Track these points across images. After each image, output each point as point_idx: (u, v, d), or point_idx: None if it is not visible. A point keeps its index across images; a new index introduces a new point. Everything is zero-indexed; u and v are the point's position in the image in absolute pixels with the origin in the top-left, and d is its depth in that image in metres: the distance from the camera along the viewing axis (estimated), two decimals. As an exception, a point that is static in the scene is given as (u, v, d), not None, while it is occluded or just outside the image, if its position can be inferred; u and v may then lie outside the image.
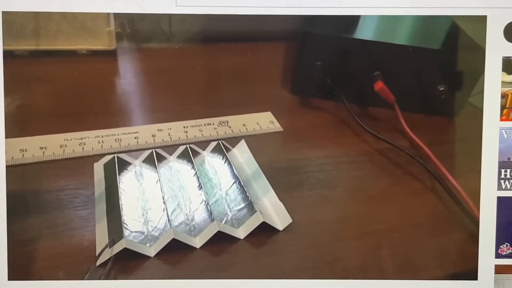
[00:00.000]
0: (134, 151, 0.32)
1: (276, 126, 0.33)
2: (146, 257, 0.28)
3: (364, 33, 0.48)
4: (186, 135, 0.30)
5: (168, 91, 0.50)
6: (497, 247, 0.33)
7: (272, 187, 0.35)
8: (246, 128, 0.32)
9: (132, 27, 0.56)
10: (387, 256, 0.32)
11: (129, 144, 0.28)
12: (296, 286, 0.29)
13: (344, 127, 0.46)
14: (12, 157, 0.25)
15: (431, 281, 0.32)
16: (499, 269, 0.33)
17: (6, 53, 0.50)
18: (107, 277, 0.27)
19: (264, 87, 0.53)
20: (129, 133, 0.29)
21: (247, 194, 0.33)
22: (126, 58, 0.56)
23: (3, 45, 0.48)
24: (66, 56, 0.52)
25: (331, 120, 0.48)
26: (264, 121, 0.33)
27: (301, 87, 0.51)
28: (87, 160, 0.30)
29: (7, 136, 0.27)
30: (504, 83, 0.34)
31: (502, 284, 0.33)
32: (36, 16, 0.48)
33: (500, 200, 0.34)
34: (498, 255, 0.33)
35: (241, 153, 0.38)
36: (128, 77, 0.53)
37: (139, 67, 0.56)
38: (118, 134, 0.29)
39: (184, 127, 0.31)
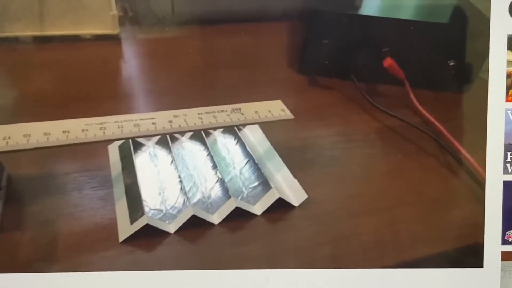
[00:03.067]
0: (153, 135, 0.33)
1: (287, 114, 0.35)
2: (166, 234, 0.30)
3: (370, 9, 0.49)
4: (202, 121, 0.32)
5: (172, 75, 0.51)
6: (504, 233, 0.33)
7: (286, 165, 0.36)
8: (259, 115, 0.34)
9: (133, 10, 0.57)
10: (402, 231, 0.34)
11: (147, 129, 0.30)
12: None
13: (354, 105, 0.48)
14: (38, 140, 0.27)
15: (436, 269, 0.33)
16: (506, 256, 0.33)
17: (10, 39, 0.51)
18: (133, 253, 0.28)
19: (271, 68, 0.55)
20: (146, 118, 0.31)
21: (262, 172, 0.35)
22: (130, 42, 0.57)
23: (6, 31, 0.50)
24: (71, 41, 0.53)
25: (341, 99, 0.49)
26: (275, 109, 0.35)
27: (308, 66, 0.52)
28: (100, 144, 0.32)
29: (17, 121, 0.29)
30: (510, 63, 0.34)
31: (509, 271, 0.34)
32: (40, 1, 0.49)
33: (506, 184, 0.33)
34: (504, 242, 0.33)
35: (253, 133, 0.40)
36: (133, 61, 0.54)
37: (143, 50, 0.57)
38: (136, 120, 0.30)
39: (198, 113, 0.33)
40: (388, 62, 0.47)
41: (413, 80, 0.48)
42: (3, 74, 0.47)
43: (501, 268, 0.33)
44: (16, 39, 0.50)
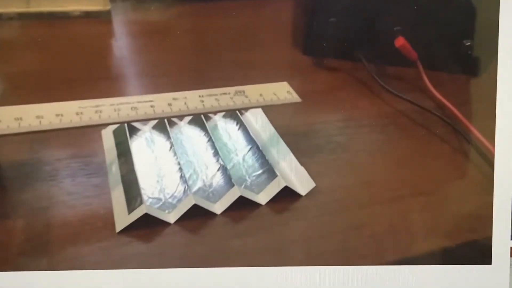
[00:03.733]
0: (152, 119, 0.33)
1: (294, 97, 0.34)
2: (166, 224, 0.30)
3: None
4: (203, 104, 0.31)
5: (166, 54, 0.51)
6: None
7: (291, 152, 0.36)
8: (264, 98, 0.33)
9: (125, -16, 0.57)
10: (416, 221, 0.34)
11: (145, 112, 0.30)
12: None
13: (363, 88, 0.48)
14: (30, 124, 0.27)
15: (443, 266, 0.33)
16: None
17: (-6, 16, 0.51)
18: (130, 244, 0.28)
19: (275, 48, 0.54)
20: (144, 101, 0.31)
21: (266, 159, 0.35)
22: (122, 19, 0.57)
23: (-10, 7, 0.49)
24: (59, 19, 0.53)
25: (349, 81, 0.49)
26: (281, 91, 0.34)
27: (314, 47, 0.52)
28: (94, 128, 0.32)
29: (3, 104, 0.29)
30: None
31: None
32: (25, -26, 0.49)
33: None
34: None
35: (256, 118, 0.40)
36: (125, 40, 0.54)
37: (137, 29, 0.56)
38: (133, 103, 0.30)
39: (200, 96, 0.32)
40: (400, 42, 0.47)
41: (427, 61, 0.48)
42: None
43: (511, 265, 0.33)
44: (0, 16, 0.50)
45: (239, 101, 0.32)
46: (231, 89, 0.33)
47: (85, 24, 0.53)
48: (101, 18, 0.54)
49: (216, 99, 0.32)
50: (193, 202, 0.30)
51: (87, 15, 0.53)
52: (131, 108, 0.30)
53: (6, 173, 0.32)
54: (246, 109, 0.34)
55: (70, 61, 0.47)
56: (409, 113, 0.44)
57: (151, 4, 0.60)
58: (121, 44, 0.52)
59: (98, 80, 0.45)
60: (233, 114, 0.38)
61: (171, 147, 0.35)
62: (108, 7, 0.54)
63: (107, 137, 0.36)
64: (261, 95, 0.33)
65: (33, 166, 0.33)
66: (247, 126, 0.38)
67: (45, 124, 0.27)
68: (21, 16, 0.50)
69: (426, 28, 0.49)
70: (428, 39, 0.49)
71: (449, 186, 0.37)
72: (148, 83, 0.46)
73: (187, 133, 0.37)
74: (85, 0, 0.52)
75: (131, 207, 0.30)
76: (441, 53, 0.50)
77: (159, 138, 0.36)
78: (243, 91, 0.33)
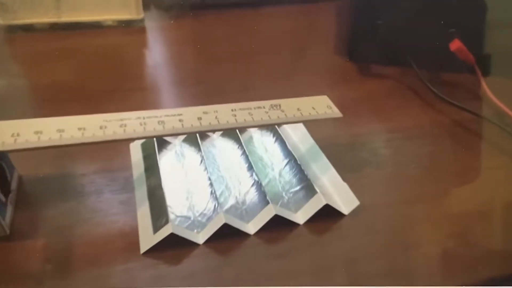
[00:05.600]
0: (179, 134, 0.32)
1: (335, 111, 0.33)
2: (194, 245, 0.29)
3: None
4: (235, 119, 0.30)
5: (202, 63, 0.51)
6: None
7: (333, 166, 0.35)
8: (301, 113, 0.32)
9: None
10: (474, 242, 0.32)
11: (173, 127, 0.29)
12: None
13: (413, 96, 0.46)
14: (50, 138, 0.26)
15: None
16: None
17: (26, 27, 0.52)
18: (156, 266, 0.27)
19: (317, 55, 0.53)
20: (172, 115, 0.30)
21: (305, 174, 0.33)
22: (156, 28, 0.57)
23: (21, 18, 0.50)
24: (91, 28, 0.54)
25: (398, 89, 0.47)
26: (320, 106, 0.33)
27: (359, 52, 0.50)
28: (121, 142, 0.31)
29: (31, 116, 0.28)
30: None
31: None
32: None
33: None
34: None
35: (294, 129, 0.39)
36: (159, 48, 0.54)
37: (170, 37, 0.57)
38: (161, 116, 0.30)
39: (232, 110, 0.31)
40: (456, 45, 0.45)
41: (486, 65, 0.46)
42: (17, 64, 0.48)
43: None
44: (31, 27, 0.51)
45: (274, 116, 0.31)
46: (266, 103, 0.32)
47: (118, 34, 0.53)
48: (134, 27, 0.54)
49: (249, 113, 0.31)
50: (223, 221, 0.29)
51: (120, 24, 0.53)
52: (158, 122, 0.29)
53: (28, 189, 0.32)
54: (283, 124, 0.33)
55: (102, 72, 0.47)
56: (466, 122, 0.42)
57: (187, 12, 0.60)
58: (155, 53, 0.52)
59: (130, 90, 0.45)
60: (270, 125, 0.37)
61: (201, 161, 0.34)
62: (141, 16, 0.54)
63: (135, 150, 0.35)
64: (298, 109, 0.32)
65: (57, 181, 0.33)
66: (284, 138, 0.37)
67: (66, 138, 0.26)
68: (53, 26, 0.51)
69: (484, 30, 0.47)
70: (486, 42, 0.46)
71: (509, 204, 0.35)
72: (181, 93, 0.46)
73: (220, 146, 0.36)
74: (117, 9, 0.52)
75: (156, 227, 0.29)
76: (501, 57, 0.48)
77: (189, 152, 0.35)
78: (279, 105, 0.32)
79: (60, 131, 0.26)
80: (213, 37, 0.56)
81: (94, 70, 0.48)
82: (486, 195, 0.35)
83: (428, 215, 0.33)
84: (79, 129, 0.27)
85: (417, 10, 0.47)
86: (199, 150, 0.35)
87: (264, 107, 0.31)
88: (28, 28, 0.51)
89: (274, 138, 0.37)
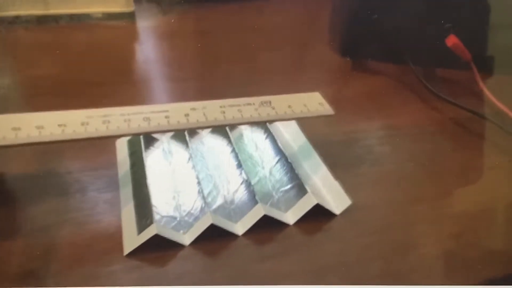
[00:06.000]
0: (165, 131, 0.31)
1: (326, 109, 0.32)
2: (180, 246, 0.28)
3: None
4: (224, 116, 0.30)
5: (194, 57, 0.50)
6: None
7: (325, 164, 0.34)
8: (292, 110, 0.31)
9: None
10: (472, 244, 0.31)
11: (159, 123, 0.28)
12: None
13: (409, 92, 0.45)
14: (28, 135, 0.25)
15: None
16: None
17: (12, 19, 0.51)
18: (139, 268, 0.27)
19: (310, 49, 0.52)
20: (158, 111, 0.29)
21: (296, 173, 0.32)
22: (147, 21, 0.56)
23: (7, 10, 0.49)
24: (79, 21, 0.53)
25: (393, 85, 0.46)
26: (312, 103, 0.32)
27: (354, 47, 0.49)
28: (106, 138, 0.30)
29: (17, 111, 0.28)
30: None
31: None
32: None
33: None
34: None
35: (286, 126, 0.38)
36: (149, 43, 0.53)
37: (161, 31, 0.56)
38: (147, 113, 0.29)
39: (220, 106, 0.31)
40: (452, 40, 0.44)
41: (482, 62, 0.45)
42: (1, 57, 0.47)
43: None
44: (18, 19, 0.50)
45: (264, 113, 0.30)
46: (256, 99, 0.31)
47: (107, 27, 0.52)
48: (124, 20, 0.53)
49: (238, 110, 0.30)
50: (210, 222, 0.28)
51: (109, 17, 0.52)
52: (143, 118, 0.28)
53: (9, 188, 0.31)
54: (273, 121, 0.32)
55: (89, 66, 0.46)
56: (462, 120, 0.41)
57: (178, 4, 0.59)
58: (145, 47, 0.51)
59: (119, 84, 0.44)
60: (261, 122, 0.36)
61: (189, 159, 0.33)
62: (131, 9, 0.53)
63: (121, 147, 0.34)
64: (289, 106, 0.31)
65: (39, 179, 0.32)
66: (275, 135, 0.36)
67: (46, 135, 0.25)
68: (40, 18, 0.50)
69: (482, 24, 0.46)
70: (483, 37, 0.46)
71: (509, 204, 0.34)
72: (173, 88, 0.45)
73: (209, 143, 0.35)
74: (107, 1, 0.51)
75: (141, 227, 0.28)
76: (498, 53, 0.47)
77: (177, 149, 0.34)
78: (270, 102, 0.31)
79: (39, 127, 0.25)
80: (206, 32, 0.55)
81: (81, 64, 0.47)
82: (484, 195, 0.34)
83: (423, 215, 0.32)
84: (60, 125, 0.26)
85: (413, 4, 0.46)
86: (187, 147, 0.34)
87: (254, 104, 0.31)
88: (14, 21, 0.50)
89: (265, 135, 0.36)
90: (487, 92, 0.43)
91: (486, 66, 0.45)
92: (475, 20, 0.46)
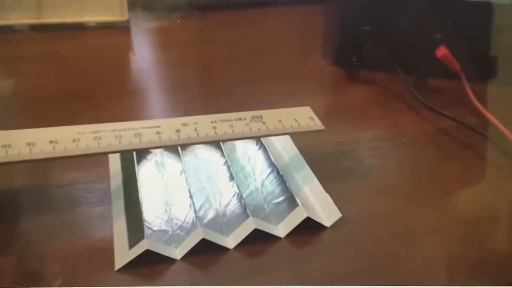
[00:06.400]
0: (156, 148, 0.31)
1: (317, 124, 0.33)
2: (172, 260, 0.28)
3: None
4: (215, 131, 0.30)
5: (187, 68, 0.50)
6: None
7: (316, 176, 0.34)
8: (283, 125, 0.32)
9: (145, -6, 0.56)
10: (459, 256, 0.31)
11: (150, 140, 0.28)
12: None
13: (399, 103, 0.45)
14: (19, 152, 0.25)
15: None
16: None
17: (4, 28, 0.50)
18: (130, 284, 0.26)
19: (302, 59, 0.52)
20: (150, 127, 0.29)
21: (287, 185, 0.32)
22: (141, 30, 0.56)
23: (0, 19, 0.49)
24: (72, 30, 0.52)
25: (384, 96, 0.46)
26: (302, 117, 0.32)
27: (346, 57, 0.49)
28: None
29: (4, 125, 0.27)
30: None
31: None
32: (37, -15, 0.48)
33: None
34: None
35: (279, 138, 0.38)
36: (144, 52, 0.53)
37: (156, 40, 0.55)
38: (138, 129, 0.29)
39: (212, 121, 0.31)
40: (442, 51, 0.44)
41: (472, 72, 0.45)
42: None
43: None
44: (10, 28, 0.49)
45: (255, 128, 0.30)
46: (248, 114, 0.31)
47: (101, 36, 0.52)
48: (119, 30, 0.53)
49: (230, 125, 0.30)
50: (201, 237, 0.28)
51: (104, 26, 0.52)
52: (135, 134, 0.28)
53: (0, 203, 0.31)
54: (264, 136, 0.32)
55: (82, 76, 0.46)
56: (451, 131, 0.41)
57: (172, 14, 0.59)
58: (140, 57, 0.51)
59: (112, 96, 0.44)
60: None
61: (182, 172, 0.33)
62: (125, 18, 0.53)
63: (114, 160, 0.34)
64: (280, 121, 0.31)
65: (29, 194, 0.32)
66: (267, 147, 0.36)
67: (36, 153, 0.25)
68: (33, 27, 0.49)
69: (471, 36, 0.46)
70: (473, 48, 0.46)
71: (496, 216, 0.34)
72: (166, 99, 0.45)
73: (202, 155, 0.35)
74: (101, 10, 0.51)
75: (132, 242, 0.28)
76: (487, 64, 0.48)
77: (170, 161, 0.34)
78: (261, 117, 0.31)
79: (30, 144, 0.25)
80: (201, 41, 0.55)
81: (74, 74, 0.46)
82: (474, 207, 0.34)
83: (412, 229, 0.32)
84: (51, 142, 0.26)
85: (404, 16, 0.46)
86: (180, 159, 0.34)
87: (245, 119, 0.31)
88: (6, 30, 0.50)
89: (258, 147, 0.36)
90: (475, 102, 0.43)
91: (476, 76, 0.45)
92: (465, 30, 0.46)
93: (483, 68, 0.46)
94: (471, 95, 0.43)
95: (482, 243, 0.32)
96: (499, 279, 0.30)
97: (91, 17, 0.51)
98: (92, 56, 0.49)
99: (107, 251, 0.28)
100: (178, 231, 0.29)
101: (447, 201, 0.35)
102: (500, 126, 0.40)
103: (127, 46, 0.53)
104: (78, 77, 0.46)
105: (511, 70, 0.46)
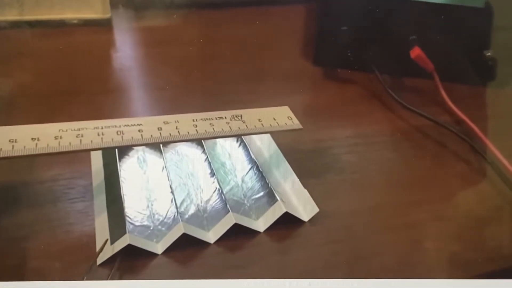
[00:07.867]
0: (138, 145, 0.31)
1: (295, 123, 0.33)
2: (153, 255, 0.28)
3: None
4: (196, 130, 0.30)
5: (169, 66, 0.49)
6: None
7: (295, 172, 0.34)
8: (262, 124, 0.32)
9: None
10: (431, 250, 0.31)
11: (132, 137, 0.28)
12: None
13: (376, 101, 0.45)
14: (1, 149, 0.25)
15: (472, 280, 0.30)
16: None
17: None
18: (112, 277, 0.26)
19: (282, 58, 0.52)
20: (132, 125, 0.29)
21: (267, 181, 0.32)
22: (123, 28, 0.55)
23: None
24: (54, 27, 0.51)
25: (361, 94, 0.46)
26: (281, 117, 0.33)
27: (324, 57, 0.50)
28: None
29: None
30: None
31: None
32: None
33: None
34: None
35: (259, 135, 0.38)
36: (126, 50, 0.52)
37: (138, 38, 0.55)
38: (120, 126, 0.28)
39: (193, 120, 0.30)
40: (416, 52, 0.44)
41: (445, 72, 0.46)
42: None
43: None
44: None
45: (235, 127, 0.30)
46: (228, 113, 0.31)
47: (83, 33, 0.51)
48: (101, 27, 0.52)
49: (210, 124, 0.30)
50: (182, 231, 0.28)
51: (86, 23, 0.51)
52: (117, 132, 0.27)
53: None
54: (244, 135, 0.32)
55: (63, 73, 0.45)
56: (425, 129, 0.42)
57: (156, 12, 0.58)
58: (122, 54, 0.51)
59: (94, 93, 0.43)
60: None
61: (163, 168, 0.33)
62: (108, 15, 0.52)
63: (96, 156, 0.34)
64: (259, 120, 0.31)
65: (10, 189, 0.31)
66: (247, 144, 0.36)
67: (18, 149, 0.25)
68: (14, 24, 0.48)
69: (444, 37, 0.46)
70: (445, 49, 0.46)
71: (467, 211, 0.35)
72: (147, 97, 0.45)
73: (183, 151, 0.35)
74: (83, 8, 0.50)
75: (114, 237, 0.27)
76: (459, 64, 0.48)
77: (152, 157, 0.34)
78: (241, 116, 0.31)
79: (13, 141, 0.25)
80: (183, 39, 0.54)
81: (55, 71, 0.45)
82: (445, 203, 0.35)
83: (387, 223, 0.32)
84: (33, 139, 0.25)
85: (380, 17, 0.46)
86: (162, 155, 0.34)
87: (225, 118, 0.30)
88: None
89: (238, 144, 0.36)
90: (447, 101, 0.44)
91: (448, 76, 0.45)
92: (438, 31, 0.46)
93: (456, 69, 0.47)
94: (444, 94, 0.44)
95: (454, 237, 0.32)
96: (467, 271, 0.30)
97: (73, 15, 0.50)
98: (74, 54, 0.48)
99: (90, 245, 0.28)
100: (159, 226, 0.29)
101: (422, 196, 0.35)
102: (470, 123, 0.41)
103: (109, 44, 0.52)
104: (60, 74, 0.45)
105: (480, 72, 0.47)
